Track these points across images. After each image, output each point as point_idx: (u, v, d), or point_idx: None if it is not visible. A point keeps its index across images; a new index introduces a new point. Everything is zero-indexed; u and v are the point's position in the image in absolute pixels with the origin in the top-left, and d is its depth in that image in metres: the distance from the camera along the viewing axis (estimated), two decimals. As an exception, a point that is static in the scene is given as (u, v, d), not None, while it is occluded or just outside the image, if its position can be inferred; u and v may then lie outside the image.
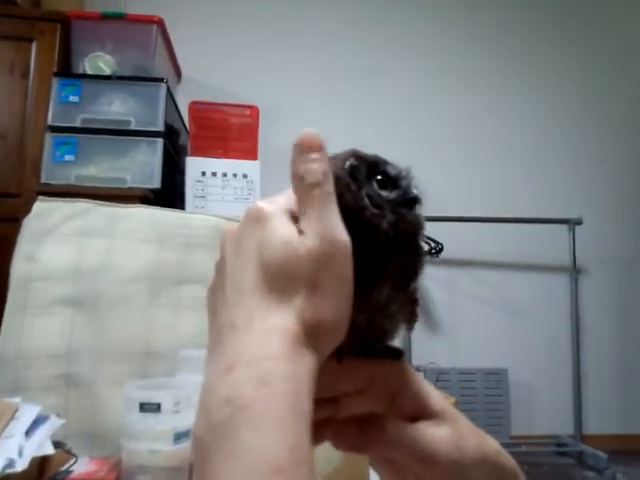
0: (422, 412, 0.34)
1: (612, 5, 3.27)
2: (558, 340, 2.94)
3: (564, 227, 2.88)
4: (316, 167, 0.30)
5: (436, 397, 0.35)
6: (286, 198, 0.31)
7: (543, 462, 2.63)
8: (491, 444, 0.35)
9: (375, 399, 0.34)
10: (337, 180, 0.31)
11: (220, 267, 0.31)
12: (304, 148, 0.30)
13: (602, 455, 2.44)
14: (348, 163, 0.32)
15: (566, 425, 2.83)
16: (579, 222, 2.84)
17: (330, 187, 0.30)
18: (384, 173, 0.32)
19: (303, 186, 0.30)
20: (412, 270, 0.33)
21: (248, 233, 0.30)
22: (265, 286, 0.28)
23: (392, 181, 0.32)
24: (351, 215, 0.30)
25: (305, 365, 0.27)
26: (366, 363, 0.34)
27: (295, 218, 0.30)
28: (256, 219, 0.30)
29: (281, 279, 0.28)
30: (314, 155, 0.30)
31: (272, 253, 0.28)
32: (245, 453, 0.23)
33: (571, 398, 2.84)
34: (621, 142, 3.17)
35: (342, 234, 0.29)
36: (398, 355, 0.35)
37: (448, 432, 0.33)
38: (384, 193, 0.32)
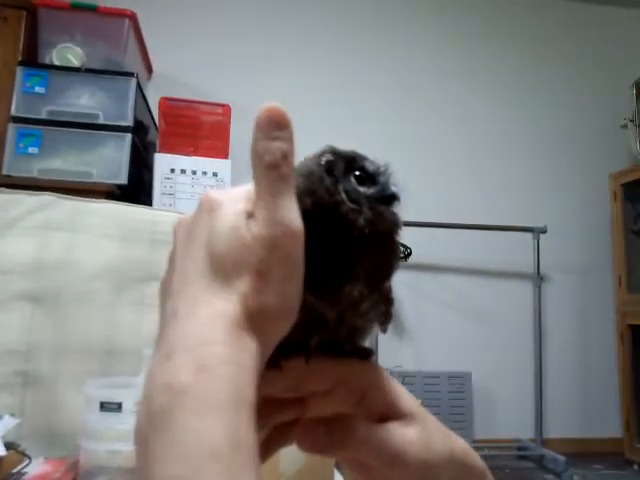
0: (391, 412, 0.33)
1: (582, 12, 3.37)
2: (521, 345, 3.00)
3: (529, 235, 2.94)
4: (276, 146, 0.28)
5: (406, 397, 0.34)
6: (246, 187, 0.30)
7: (504, 465, 2.67)
8: (460, 444, 0.35)
9: (343, 399, 0.33)
10: (311, 175, 0.30)
11: (171, 258, 0.30)
12: (266, 123, 0.28)
13: (561, 458, 2.50)
14: (324, 158, 0.31)
15: (527, 429, 2.88)
16: (543, 231, 2.90)
17: (288, 169, 0.28)
18: (362, 169, 0.32)
19: (260, 166, 0.28)
20: (387, 268, 0.32)
21: (199, 222, 0.29)
22: (210, 273, 0.27)
23: (370, 177, 0.32)
24: (326, 210, 0.30)
25: (247, 350, 0.26)
26: (334, 363, 0.33)
27: (252, 203, 0.28)
28: (208, 208, 0.29)
29: (226, 265, 0.27)
30: (276, 132, 0.28)
31: (219, 240, 0.27)
32: (183, 439, 0.22)
33: (533, 402, 2.89)
34: (586, 153, 3.25)
35: (293, 220, 0.27)
36: (367, 355, 0.34)
37: (417, 433, 0.32)
38: (362, 189, 0.31)
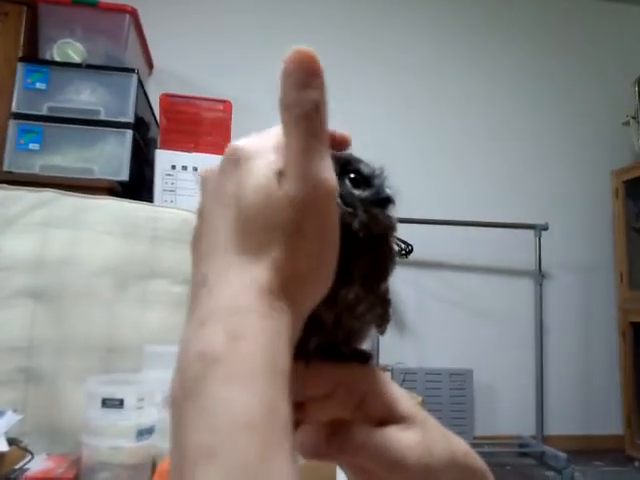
0: (391, 416, 0.33)
1: (585, 8, 3.36)
2: (522, 342, 2.99)
3: (531, 232, 2.93)
4: (308, 96, 0.25)
5: (405, 400, 0.34)
6: (275, 133, 0.28)
7: (505, 462, 2.67)
8: (460, 446, 0.35)
9: (342, 404, 0.32)
10: None
11: (200, 213, 0.29)
12: (295, 71, 0.26)
13: (562, 455, 2.49)
14: None
15: (528, 426, 2.88)
16: (545, 228, 2.89)
17: (321, 122, 0.26)
18: (357, 171, 0.32)
19: (289, 120, 0.26)
20: (382, 271, 0.32)
21: (226, 176, 0.27)
22: (241, 236, 0.26)
23: (365, 180, 0.31)
24: None
25: (281, 319, 0.25)
26: (333, 367, 0.32)
27: (282, 158, 0.26)
28: (234, 161, 0.27)
29: (257, 228, 0.25)
30: (307, 80, 0.26)
31: (248, 200, 0.26)
32: (216, 408, 0.22)
33: (534, 400, 2.89)
34: (589, 150, 3.25)
35: (327, 177, 0.26)
36: (366, 358, 0.34)
37: (417, 436, 0.32)
38: (356, 192, 0.31)
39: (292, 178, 0.26)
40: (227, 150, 0.28)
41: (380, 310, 0.33)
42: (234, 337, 0.23)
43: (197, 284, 0.26)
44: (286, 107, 0.26)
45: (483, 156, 3.15)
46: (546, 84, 3.25)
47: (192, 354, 0.24)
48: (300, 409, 0.32)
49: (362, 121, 3.00)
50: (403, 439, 0.32)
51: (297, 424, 0.32)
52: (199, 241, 0.28)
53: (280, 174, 0.26)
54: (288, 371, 0.24)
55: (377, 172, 0.32)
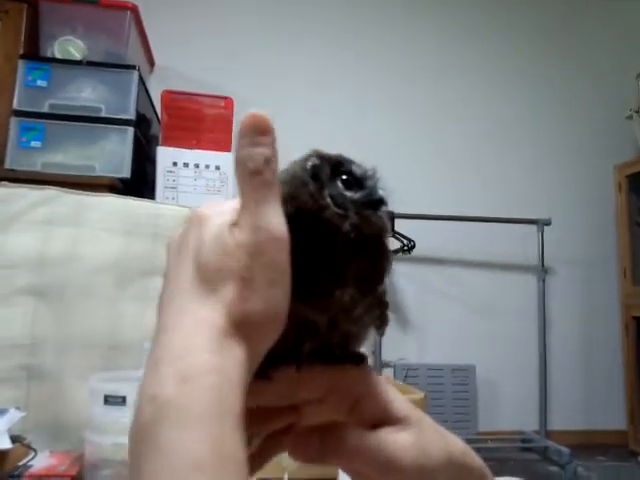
0: (385, 418, 0.33)
1: (586, 4, 3.34)
2: (525, 338, 2.99)
3: (533, 227, 2.93)
4: (259, 152, 0.28)
5: (400, 402, 0.34)
6: (234, 201, 0.30)
7: (509, 457, 2.67)
8: (457, 445, 0.35)
9: (336, 407, 0.33)
10: (294, 179, 0.30)
11: (165, 273, 0.30)
12: (248, 130, 0.28)
13: (565, 450, 2.50)
14: (310, 163, 0.31)
15: (531, 421, 2.88)
16: (548, 223, 2.89)
17: (271, 176, 0.28)
18: (349, 173, 0.31)
19: (243, 173, 0.28)
20: (377, 272, 0.32)
21: (187, 234, 0.29)
22: (197, 282, 0.27)
23: (357, 181, 0.31)
24: (310, 215, 0.29)
25: (233, 358, 0.26)
26: (326, 370, 0.33)
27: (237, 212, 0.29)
28: (197, 222, 0.29)
29: (211, 273, 0.27)
30: (258, 139, 0.28)
31: (205, 249, 0.28)
32: (166, 451, 0.23)
33: (537, 395, 2.89)
34: (591, 144, 3.23)
35: (276, 225, 0.28)
36: (360, 360, 0.34)
37: (412, 437, 0.32)
38: (349, 193, 0.31)
39: (244, 226, 0.28)
40: (189, 213, 0.31)
41: (378, 312, 0.33)
42: (184, 379, 0.24)
43: (157, 329, 0.27)
44: (240, 162, 0.28)
45: (484, 152, 3.15)
46: (548, 80, 3.24)
47: (145, 397, 0.24)
48: (295, 412, 0.32)
49: (362, 122, 3.00)
50: (397, 441, 0.32)
51: (292, 426, 0.33)
52: (164, 292, 0.29)
53: (234, 225, 0.28)
54: (240, 411, 0.25)
55: (370, 173, 0.32)
